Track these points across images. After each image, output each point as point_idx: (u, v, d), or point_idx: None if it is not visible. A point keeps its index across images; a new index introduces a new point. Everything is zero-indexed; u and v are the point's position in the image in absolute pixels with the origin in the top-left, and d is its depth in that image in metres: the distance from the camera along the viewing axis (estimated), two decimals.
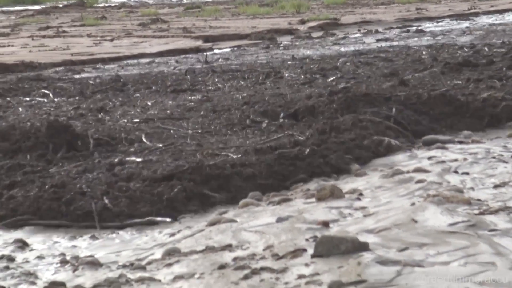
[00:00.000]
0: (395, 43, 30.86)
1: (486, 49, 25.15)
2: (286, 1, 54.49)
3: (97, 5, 59.34)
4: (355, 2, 54.37)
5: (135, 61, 27.71)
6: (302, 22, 39.20)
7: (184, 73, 23.65)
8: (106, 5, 59.91)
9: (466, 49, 25.85)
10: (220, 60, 27.74)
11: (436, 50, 25.78)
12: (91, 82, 22.65)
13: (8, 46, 32.20)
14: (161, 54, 29.64)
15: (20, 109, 18.26)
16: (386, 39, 32.76)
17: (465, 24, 37.85)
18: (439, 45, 27.56)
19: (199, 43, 31.76)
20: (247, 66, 25.39)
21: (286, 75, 23.01)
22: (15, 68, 26.75)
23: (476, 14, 45.02)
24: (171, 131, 14.78)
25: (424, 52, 26.66)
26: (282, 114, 15.71)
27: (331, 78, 21.12)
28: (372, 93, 16.14)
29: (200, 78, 22.89)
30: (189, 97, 19.74)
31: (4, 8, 64.94)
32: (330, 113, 14.75)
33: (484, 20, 41.34)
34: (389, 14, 43.87)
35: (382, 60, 25.13)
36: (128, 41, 32.92)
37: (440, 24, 39.16)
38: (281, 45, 29.23)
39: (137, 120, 16.55)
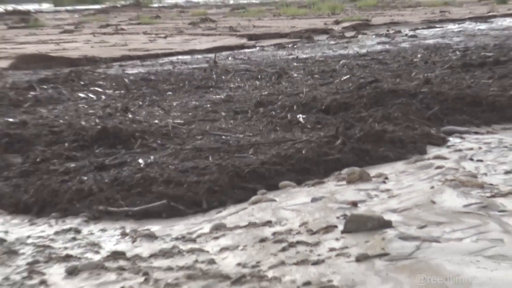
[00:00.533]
0: (424, 41, 30.99)
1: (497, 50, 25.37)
2: (322, 3, 54.74)
3: (152, 6, 59.38)
4: (385, 4, 54.33)
5: (187, 56, 27.74)
6: (337, 22, 39.34)
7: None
8: (160, 5, 59.88)
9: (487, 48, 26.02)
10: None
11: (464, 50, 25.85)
12: (146, 75, 22.94)
13: (72, 42, 32.20)
14: (209, 50, 29.15)
15: (70, 103, 18.43)
16: (414, 37, 32.97)
17: (483, 26, 37.90)
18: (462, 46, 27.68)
19: (243, 41, 31.84)
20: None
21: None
22: (79, 62, 26.77)
23: (494, 17, 45.13)
24: (223, 133, 14.11)
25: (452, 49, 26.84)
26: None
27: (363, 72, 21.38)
28: (399, 89, 16.23)
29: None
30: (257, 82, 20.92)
31: (69, 7, 65.55)
32: (359, 107, 14.84)
33: (501, 22, 41.40)
34: (415, 16, 43.84)
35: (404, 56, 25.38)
36: (180, 38, 32.82)
37: (461, 25, 39.15)
38: (318, 42, 29.36)
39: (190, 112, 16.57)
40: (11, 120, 15.98)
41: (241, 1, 62.01)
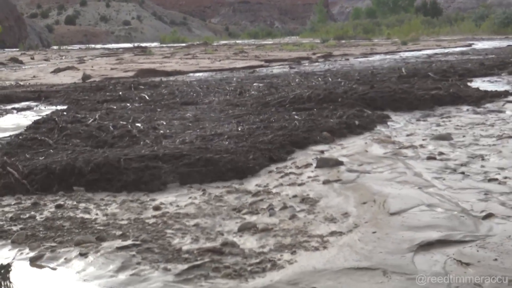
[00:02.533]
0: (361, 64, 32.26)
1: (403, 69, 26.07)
2: (306, 44, 57.70)
3: (213, 44, 64.45)
4: (340, 45, 56.52)
5: (230, 72, 29.83)
6: (314, 54, 42.14)
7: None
8: (217, 44, 64.95)
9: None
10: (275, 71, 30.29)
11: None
12: (205, 79, 24.84)
13: (168, 63, 36.24)
14: (243, 68, 32.19)
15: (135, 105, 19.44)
16: (353, 62, 34.59)
17: (392, 56, 39.59)
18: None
19: (262, 63, 35.09)
20: (284, 75, 27.27)
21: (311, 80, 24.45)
22: (171, 73, 29.72)
23: (399, 51, 46.84)
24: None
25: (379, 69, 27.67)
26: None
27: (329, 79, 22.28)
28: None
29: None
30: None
31: (168, 44, 72.27)
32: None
33: (402, 54, 42.85)
34: (357, 51, 46.29)
35: (350, 70, 26.47)
36: (227, 61, 36.54)
37: (381, 56, 40.74)
38: (303, 64, 31.50)
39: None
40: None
41: (262, 42, 67.49)
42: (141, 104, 16.41)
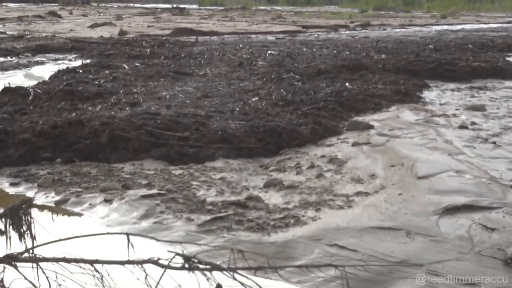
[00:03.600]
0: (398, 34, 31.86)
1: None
2: (344, 13, 57.15)
3: (251, 9, 63.62)
4: (379, 15, 55.77)
5: (266, 35, 29.26)
6: (352, 22, 41.38)
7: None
8: (255, 8, 64.18)
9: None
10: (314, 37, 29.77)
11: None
12: (241, 41, 24.64)
13: (205, 24, 35.92)
14: (280, 32, 31.68)
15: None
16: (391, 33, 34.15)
17: (429, 28, 38.88)
18: None
19: (299, 28, 34.55)
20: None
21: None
22: (207, 33, 29.50)
23: (437, 24, 46.14)
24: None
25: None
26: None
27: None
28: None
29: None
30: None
31: (207, 7, 71.91)
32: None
33: (436, 27, 41.56)
34: (395, 22, 45.77)
35: (389, 40, 26.16)
36: (265, 25, 35.98)
37: (419, 28, 39.82)
38: (339, 35, 30.65)
39: None
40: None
41: (301, 9, 66.56)
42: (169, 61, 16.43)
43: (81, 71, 13.92)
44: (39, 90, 11.01)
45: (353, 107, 10.59)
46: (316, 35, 29.82)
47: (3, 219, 3.86)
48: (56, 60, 17.61)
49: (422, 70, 14.81)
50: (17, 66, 15.99)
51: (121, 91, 11.40)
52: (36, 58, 17.68)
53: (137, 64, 15.46)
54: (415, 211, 5.63)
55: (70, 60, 17.84)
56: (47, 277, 3.84)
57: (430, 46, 20.34)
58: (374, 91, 11.76)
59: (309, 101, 10.58)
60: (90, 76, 13.05)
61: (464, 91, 12.98)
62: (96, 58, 17.40)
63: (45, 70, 15.54)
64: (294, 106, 10.24)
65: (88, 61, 16.96)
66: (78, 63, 16.33)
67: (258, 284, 3.74)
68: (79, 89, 10.98)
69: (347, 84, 12.21)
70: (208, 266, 3.82)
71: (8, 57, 17.45)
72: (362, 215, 5.63)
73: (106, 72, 13.91)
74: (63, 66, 15.54)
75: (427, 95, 12.43)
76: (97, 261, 4.00)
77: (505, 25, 42.83)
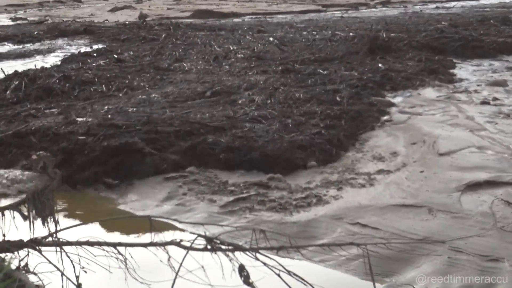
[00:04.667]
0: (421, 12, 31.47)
1: None
2: None
3: None
4: None
5: (286, 15, 29.09)
6: (372, 0, 41.10)
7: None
8: None
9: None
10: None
11: None
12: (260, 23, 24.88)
13: (225, 5, 35.39)
14: (299, 12, 31.14)
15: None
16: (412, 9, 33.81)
17: (453, 4, 38.01)
18: None
19: (319, 7, 34.24)
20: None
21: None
22: (227, 15, 29.01)
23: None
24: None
25: None
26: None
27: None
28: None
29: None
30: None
31: None
32: None
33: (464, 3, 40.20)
34: None
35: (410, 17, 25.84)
36: (285, 5, 35.72)
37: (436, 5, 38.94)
38: (361, 13, 30.24)
39: None
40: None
41: None
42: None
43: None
44: None
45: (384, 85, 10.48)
46: (339, 14, 29.35)
47: (26, 204, 3.89)
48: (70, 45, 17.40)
49: (448, 47, 14.48)
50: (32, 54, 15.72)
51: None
52: (53, 45, 17.46)
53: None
54: (437, 188, 5.62)
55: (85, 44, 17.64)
56: (71, 261, 3.87)
57: (447, 22, 19.92)
58: (403, 69, 11.66)
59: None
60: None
61: (488, 67, 12.72)
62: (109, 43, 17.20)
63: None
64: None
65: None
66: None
67: (280, 264, 3.74)
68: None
69: (380, 64, 12.01)
70: (230, 247, 3.83)
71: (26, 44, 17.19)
72: (383, 193, 5.62)
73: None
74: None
75: (454, 72, 12.17)
76: (120, 244, 4.03)
77: None
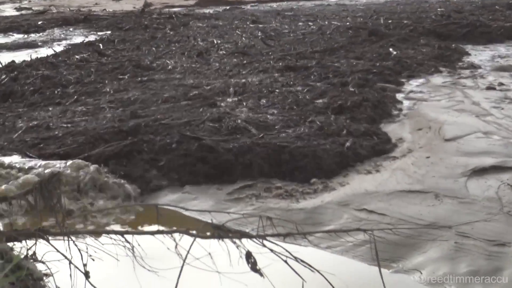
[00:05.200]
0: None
1: None
2: None
3: None
4: None
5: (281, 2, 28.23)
6: None
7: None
8: None
9: None
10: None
11: None
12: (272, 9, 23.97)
13: None
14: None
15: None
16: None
17: None
18: None
19: None
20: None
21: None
22: (232, 3, 28.18)
23: None
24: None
25: None
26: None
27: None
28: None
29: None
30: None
31: None
32: None
33: None
34: None
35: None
36: None
37: None
38: None
39: None
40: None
41: None
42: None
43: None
44: None
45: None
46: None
47: (33, 194, 3.90)
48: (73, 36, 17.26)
49: (456, 33, 14.42)
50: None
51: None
52: (56, 35, 17.35)
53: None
54: (443, 174, 5.64)
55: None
56: (78, 249, 3.88)
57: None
58: (412, 55, 11.61)
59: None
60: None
61: (494, 52, 12.63)
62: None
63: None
64: None
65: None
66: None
67: (287, 250, 3.75)
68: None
69: (391, 49, 12.05)
70: (237, 234, 3.84)
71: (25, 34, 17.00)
72: (390, 179, 5.64)
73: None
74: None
75: (462, 58, 12.03)
76: (127, 232, 4.03)
77: None
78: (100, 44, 14.31)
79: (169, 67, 11.44)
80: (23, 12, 23.18)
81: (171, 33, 16.32)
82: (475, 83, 9.59)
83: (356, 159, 6.22)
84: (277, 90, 8.96)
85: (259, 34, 15.29)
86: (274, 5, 26.73)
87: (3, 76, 10.27)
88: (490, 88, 9.14)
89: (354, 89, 8.68)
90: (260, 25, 17.22)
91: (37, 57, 12.40)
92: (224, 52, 12.96)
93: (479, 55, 12.25)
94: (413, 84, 9.64)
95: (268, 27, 16.77)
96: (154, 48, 13.83)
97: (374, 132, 6.95)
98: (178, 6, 26.26)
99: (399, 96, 8.84)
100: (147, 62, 11.96)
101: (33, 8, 25.20)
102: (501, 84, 9.36)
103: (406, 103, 8.44)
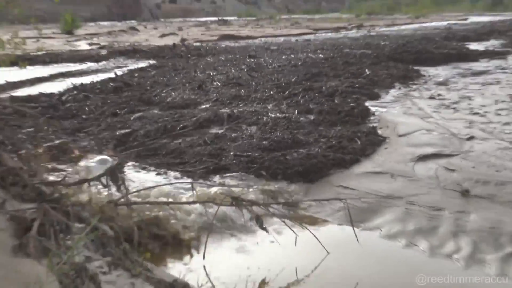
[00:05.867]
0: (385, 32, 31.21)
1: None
2: (343, 19, 55.97)
3: (276, 18, 60.91)
4: (370, 18, 54.73)
5: (288, 37, 28.59)
6: (349, 24, 40.55)
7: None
8: (279, 18, 61.25)
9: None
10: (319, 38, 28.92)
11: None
12: (267, 44, 24.28)
13: (243, 30, 34.95)
14: (295, 34, 30.17)
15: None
16: (378, 30, 33.54)
17: (407, 27, 37.60)
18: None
19: (311, 31, 33.83)
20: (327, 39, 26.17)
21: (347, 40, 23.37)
22: (244, 38, 28.33)
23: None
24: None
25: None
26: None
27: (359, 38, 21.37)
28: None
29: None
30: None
31: (243, 18, 66.89)
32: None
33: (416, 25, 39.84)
34: (382, 22, 44.98)
35: (376, 36, 25.51)
36: (286, 30, 34.98)
37: (397, 28, 38.64)
38: (340, 34, 29.77)
39: None
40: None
41: (313, 17, 63.74)
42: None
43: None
44: None
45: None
46: (328, 34, 28.75)
47: (105, 176, 3.98)
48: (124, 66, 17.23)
49: (408, 57, 14.32)
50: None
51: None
52: (114, 62, 17.32)
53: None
54: (397, 160, 5.68)
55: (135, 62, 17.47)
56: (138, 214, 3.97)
57: (409, 40, 19.81)
58: (378, 75, 11.34)
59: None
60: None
61: (436, 72, 12.53)
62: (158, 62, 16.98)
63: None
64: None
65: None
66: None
67: (285, 214, 3.84)
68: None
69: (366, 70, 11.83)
70: (249, 203, 3.92)
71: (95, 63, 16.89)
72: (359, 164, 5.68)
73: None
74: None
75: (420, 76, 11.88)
76: (171, 202, 4.13)
77: (463, 21, 41.74)
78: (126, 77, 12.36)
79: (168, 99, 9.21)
80: (93, 47, 23.18)
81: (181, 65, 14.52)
82: (420, 94, 9.55)
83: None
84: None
85: (248, 66, 13.45)
86: (274, 39, 26.55)
87: (75, 92, 9.84)
88: (431, 98, 9.15)
89: (338, 102, 8.53)
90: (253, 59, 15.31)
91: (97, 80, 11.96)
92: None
93: (426, 74, 12.11)
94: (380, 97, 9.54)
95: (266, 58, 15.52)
96: (164, 78, 11.64)
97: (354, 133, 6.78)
98: (205, 40, 26.25)
99: (368, 104, 8.73)
100: (153, 93, 9.73)
101: (100, 43, 25.24)
102: (439, 95, 9.39)
103: (373, 109, 8.34)
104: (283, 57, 15.70)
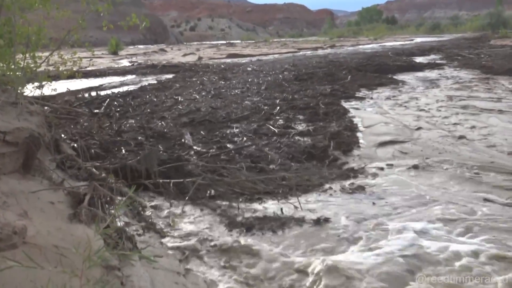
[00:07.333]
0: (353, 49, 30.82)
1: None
2: (320, 40, 55.71)
3: (269, 41, 60.35)
4: (340, 40, 54.59)
5: (277, 55, 28.16)
6: (324, 45, 39.99)
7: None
8: (271, 41, 60.52)
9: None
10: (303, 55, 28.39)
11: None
12: (260, 62, 23.50)
13: (245, 50, 34.90)
14: (284, 53, 29.72)
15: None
16: (347, 49, 33.16)
17: (368, 46, 37.20)
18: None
19: (296, 50, 33.45)
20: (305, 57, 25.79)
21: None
22: (246, 56, 27.48)
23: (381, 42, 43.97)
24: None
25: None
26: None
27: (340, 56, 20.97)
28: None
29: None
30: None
31: (245, 41, 65.27)
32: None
33: (375, 45, 39.42)
34: (349, 43, 44.15)
35: (346, 53, 25.09)
36: (277, 49, 34.67)
37: (363, 46, 38.25)
38: (318, 51, 29.59)
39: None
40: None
41: (296, 39, 63.20)
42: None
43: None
44: None
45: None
46: (309, 52, 28.40)
47: (140, 161, 3.88)
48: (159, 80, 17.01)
49: (371, 68, 14.04)
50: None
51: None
52: (148, 75, 17.09)
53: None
54: (363, 146, 5.57)
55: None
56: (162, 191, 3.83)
57: (368, 56, 19.57)
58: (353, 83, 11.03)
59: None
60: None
61: (391, 79, 12.17)
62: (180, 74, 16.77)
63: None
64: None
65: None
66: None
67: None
68: None
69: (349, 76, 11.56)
70: None
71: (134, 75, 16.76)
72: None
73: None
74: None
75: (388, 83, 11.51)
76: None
77: (409, 42, 41.44)
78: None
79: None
80: (134, 64, 23.04)
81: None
82: (379, 96, 9.40)
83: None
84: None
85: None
86: (271, 57, 26.23)
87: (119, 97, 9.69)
88: (387, 98, 9.01)
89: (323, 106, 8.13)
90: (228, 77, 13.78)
91: (130, 89, 12.05)
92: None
93: (383, 80, 11.85)
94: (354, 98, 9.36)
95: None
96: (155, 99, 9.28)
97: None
98: (217, 58, 26.07)
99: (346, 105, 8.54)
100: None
101: (138, 61, 25.09)
102: (393, 96, 9.25)
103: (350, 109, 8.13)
104: (277, 65, 15.65)
